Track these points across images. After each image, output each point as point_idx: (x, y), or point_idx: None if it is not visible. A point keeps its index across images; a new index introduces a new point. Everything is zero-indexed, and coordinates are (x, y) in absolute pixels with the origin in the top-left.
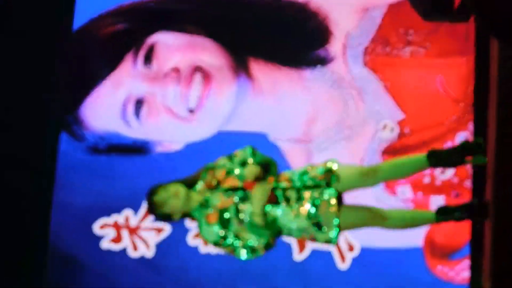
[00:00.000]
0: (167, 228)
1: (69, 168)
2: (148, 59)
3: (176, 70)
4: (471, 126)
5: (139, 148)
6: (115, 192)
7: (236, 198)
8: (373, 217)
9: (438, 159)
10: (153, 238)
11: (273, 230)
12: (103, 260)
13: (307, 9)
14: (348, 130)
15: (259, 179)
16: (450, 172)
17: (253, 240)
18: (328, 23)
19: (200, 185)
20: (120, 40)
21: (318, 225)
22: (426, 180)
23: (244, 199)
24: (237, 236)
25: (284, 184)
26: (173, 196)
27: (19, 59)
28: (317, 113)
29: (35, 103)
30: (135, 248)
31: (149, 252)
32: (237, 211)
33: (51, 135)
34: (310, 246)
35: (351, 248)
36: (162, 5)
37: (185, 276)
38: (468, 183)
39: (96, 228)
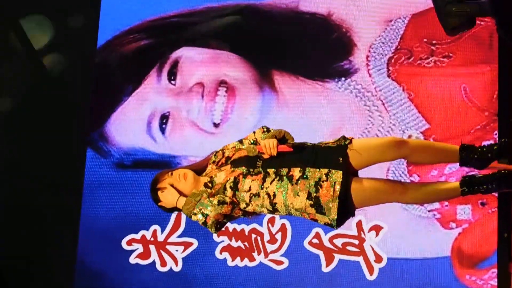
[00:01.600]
0: (194, 242)
1: (96, 184)
2: (172, 74)
3: (200, 84)
4: (496, 135)
5: (164, 163)
6: (142, 208)
7: (242, 171)
8: (391, 190)
9: (469, 152)
10: (181, 252)
11: (272, 206)
12: (132, 274)
13: (330, 22)
14: None
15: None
16: None
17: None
18: (351, 35)
19: (209, 167)
20: (144, 56)
21: (316, 207)
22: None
23: (248, 174)
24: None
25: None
26: (181, 179)
27: (44, 77)
28: (342, 124)
29: (61, 120)
30: (163, 263)
31: (176, 266)
32: (236, 184)
33: (78, 152)
34: (337, 257)
35: (378, 259)
36: (185, 20)
37: None
38: (494, 192)
39: (124, 243)
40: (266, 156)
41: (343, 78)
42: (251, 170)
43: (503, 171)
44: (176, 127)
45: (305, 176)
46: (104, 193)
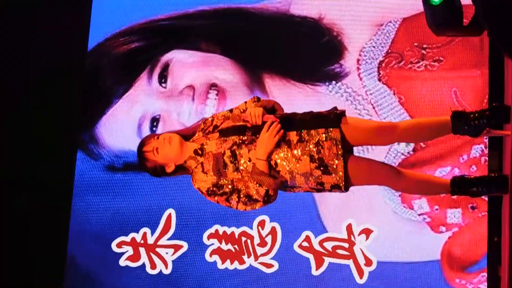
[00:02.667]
0: (184, 245)
1: (86, 186)
2: (163, 77)
3: (191, 87)
4: (486, 139)
5: None
6: (132, 210)
7: (234, 141)
8: (385, 172)
9: (462, 120)
10: (171, 255)
11: (274, 177)
12: (121, 277)
13: (321, 25)
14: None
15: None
16: None
17: (251, 189)
18: (342, 39)
19: (197, 135)
20: (134, 59)
21: (322, 168)
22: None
23: (242, 143)
24: (233, 184)
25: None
26: (166, 143)
27: (35, 79)
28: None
29: (51, 122)
30: (152, 265)
31: (166, 269)
32: (235, 156)
33: (68, 154)
34: (327, 261)
35: (368, 263)
36: (176, 23)
37: None
38: (484, 196)
39: (114, 246)
40: (249, 125)
41: (333, 82)
42: (243, 138)
43: (493, 174)
44: (167, 130)
45: (302, 139)
46: (95, 196)
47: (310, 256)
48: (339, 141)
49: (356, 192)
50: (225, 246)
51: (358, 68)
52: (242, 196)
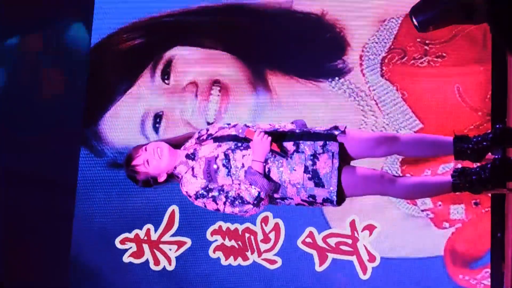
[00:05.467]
0: (188, 241)
1: (89, 183)
2: (166, 73)
3: (194, 84)
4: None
5: None
6: (135, 206)
7: (229, 146)
8: (380, 178)
9: (464, 142)
10: (174, 251)
11: (268, 178)
12: (125, 273)
13: (323, 21)
14: None
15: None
16: None
17: (243, 190)
18: (345, 35)
19: (189, 142)
20: (138, 55)
21: (315, 180)
22: None
23: (237, 148)
24: (222, 187)
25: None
26: (156, 154)
27: (38, 76)
28: (335, 124)
29: (54, 119)
30: (156, 262)
31: (170, 265)
32: (228, 159)
33: (71, 151)
34: (331, 257)
35: (372, 259)
36: (179, 19)
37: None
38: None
39: (117, 242)
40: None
41: (336, 78)
42: (238, 144)
43: (496, 157)
44: (170, 127)
45: (299, 150)
46: (98, 192)
47: (314, 252)
48: (336, 154)
49: None
50: (228, 243)
51: (361, 64)
52: (230, 196)
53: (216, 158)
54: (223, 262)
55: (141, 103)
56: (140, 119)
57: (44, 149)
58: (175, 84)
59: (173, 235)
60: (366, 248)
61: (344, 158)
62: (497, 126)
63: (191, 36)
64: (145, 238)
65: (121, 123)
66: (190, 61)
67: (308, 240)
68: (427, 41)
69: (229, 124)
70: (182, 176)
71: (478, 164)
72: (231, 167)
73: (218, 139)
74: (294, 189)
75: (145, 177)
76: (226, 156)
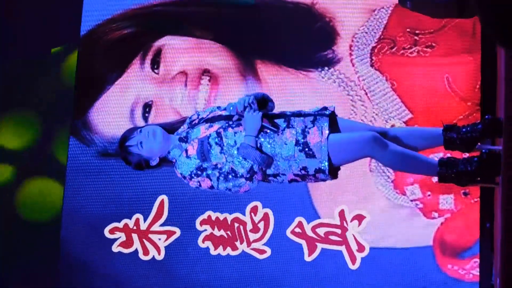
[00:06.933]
0: (177, 231)
1: (79, 172)
2: (155, 63)
3: (184, 73)
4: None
5: None
6: (125, 196)
7: (221, 125)
8: (371, 142)
9: (453, 132)
10: (163, 241)
11: (261, 151)
12: (114, 263)
13: (313, 11)
14: None
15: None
16: None
17: (236, 164)
18: (335, 24)
19: (182, 128)
20: (127, 44)
21: (306, 150)
22: (435, 179)
23: (229, 127)
24: (216, 165)
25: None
26: (151, 137)
27: (27, 64)
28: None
29: (43, 109)
30: (145, 251)
31: (159, 255)
32: (220, 136)
33: (60, 140)
34: (320, 247)
35: (361, 249)
36: (169, 9)
37: (196, 278)
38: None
39: (106, 232)
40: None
41: (326, 68)
42: (229, 122)
43: (484, 150)
44: (159, 116)
45: (290, 125)
46: (87, 182)
47: (303, 242)
48: (326, 125)
49: (348, 178)
50: (217, 232)
51: (351, 54)
52: (224, 172)
53: (208, 137)
54: (212, 251)
55: (131, 93)
56: (130, 108)
57: (33, 138)
58: (164, 74)
59: (162, 225)
60: (355, 238)
61: (335, 129)
62: (486, 117)
63: (181, 25)
64: (134, 227)
65: (111, 112)
66: (180, 51)
67: (297, 230)
68: (416, 31)
69: (219, 107)
70: (176, 160)
71: (468, 154)
72: (223, 145)
73: (210, 120)
74: (286, 163)
75: (138, 159)
76: (218, 134)
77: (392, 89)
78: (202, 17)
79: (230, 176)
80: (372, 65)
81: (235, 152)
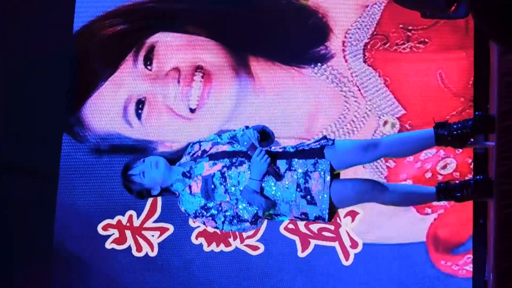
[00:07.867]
0: (170, 227)
1: (72, 169)
2: (148, 59)
3: (177, 70)
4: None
5: (140, 148)
6: (118, 193)
7: (224, 163)
8: (371, 191)
9: (446, 131)
10: (157, 237)
11: (265, 197)
12: (107, 260)
13: (306, 7)
14: (349, 126)
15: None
16: (451, 168)
17: (240, 209)
18: (328, 21)
19: (184, 158)
20: (120, 41)
21: (308, 198)
22: (428, 175)
23: (232, 165)
24: (221, 205)
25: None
26: (153, 167)
27: (20, 61)
28: (318, 110)
29: (36, 105)
30: (138, 248)
31: (152, 252)
32: (224, 177)
33: (53, 137)
34: (313, 243)
35: (354, 245)
36: (162, 5)
37: (189, 274)
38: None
39: (99, 228)
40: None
41: (319, 64)
42: (233, 160)
43: (478, 177)
44: (152, 113)
45: (291, 168)
46: (80, 178)
47: (296, 239)
48: (328, 171)
49: (342, 175)
50: (211, 229)
51: (344, 50)
52: (228, 216)
53: (212, 176)
54: (206, 248)
55: (124, 89)
56: (123, 105)
57: (26, 135)
58: (157, 70)
59: (155, 221)
60: (348, 234)
61: (335, 174)
62: (477, 113)
63: (174, 22)
64: (128, 224)
65: (104, 109)
66: (173, 47)
67: (291, 226)
68: (409, 27)
69: (220, 135)
70: (179, 194)
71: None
72: (227, 185)
73: (213, 157)
74: (287, 206)
75: (139, 188)
76: (222, 174)
77: (385, 85)
78: (195, 13)
79: (235, 221)
80: (365, 61)
81: (238, 192)
